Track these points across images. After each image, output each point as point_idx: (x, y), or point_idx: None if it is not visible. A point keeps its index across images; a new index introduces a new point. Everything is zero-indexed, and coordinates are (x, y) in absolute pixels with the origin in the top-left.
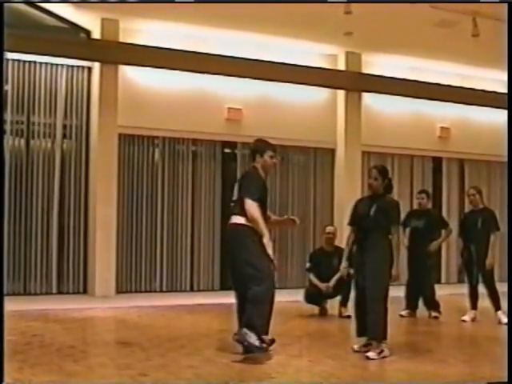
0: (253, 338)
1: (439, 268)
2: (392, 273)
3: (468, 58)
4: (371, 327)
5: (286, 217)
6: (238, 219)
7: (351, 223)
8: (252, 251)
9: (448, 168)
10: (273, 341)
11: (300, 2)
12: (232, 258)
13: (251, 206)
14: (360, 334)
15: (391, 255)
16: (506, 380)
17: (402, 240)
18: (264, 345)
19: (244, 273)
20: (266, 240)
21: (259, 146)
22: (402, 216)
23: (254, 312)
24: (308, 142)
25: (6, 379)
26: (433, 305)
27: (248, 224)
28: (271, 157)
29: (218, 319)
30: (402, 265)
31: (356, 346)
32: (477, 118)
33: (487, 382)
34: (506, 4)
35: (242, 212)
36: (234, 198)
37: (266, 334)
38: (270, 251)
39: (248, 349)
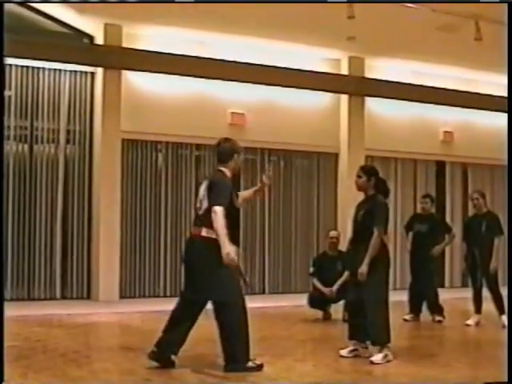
0: (243, 365)
1: (443, 272)
2: (359, 270)
3: (471, 62)
4: (373, 332)
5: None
6: (208, 232)
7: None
8: (224, 272)
9: (451, 172)
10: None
11: (300, 2)
12: (195, 272)
13: (218, 213)
14: (352, 337)
15: (387, 258)
16: (506, 380)
17: (404, 244)
18: (256, 362)
19: (212, 294)
20: (225, 252)
21: (236, 147)
22: (405, 220)
23: (236, 348)
24: (311, 147)
25: (10, 383)
26: (436, 309)
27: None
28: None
29: None
30: (405, 269)
31: (343, 352)
32: (480, 122)
33: (485, 382)
34: (506, 4)
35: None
36: (204, 206)
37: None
38: (232, 259)
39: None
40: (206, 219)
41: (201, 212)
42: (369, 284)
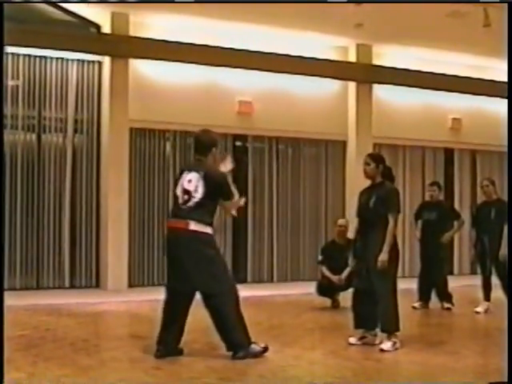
0: (250, 350)
1: (452, 259)
2: (379, 258)
3: (479, 48)
4: (383, 320)
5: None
6: (201, 227)
7: (356, 214)
8: (215, 263)
9: (460, 159)
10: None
11: (300, 2)
12: (185, 266)
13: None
14: (358, 325)
15: (396, 246)
16: (506, 380)
17: (414, 232)
18: (262, 345)
19: (202, 286)
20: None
21: (214, 139)
22: (414, 208)
23: (235, 332)
24: (319, 135)
25: (20, 374)
26: (445, 296)
27: (212, 233)
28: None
29: None
30: (414, 257)
31: (352, 339)
32: (488, 109)
33: (489, 382)
34: (506, 4)
35: (209, 219)
36: (197, 197)
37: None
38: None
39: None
40: (196, 211)
41: (190, 204)
42: (379, 272)
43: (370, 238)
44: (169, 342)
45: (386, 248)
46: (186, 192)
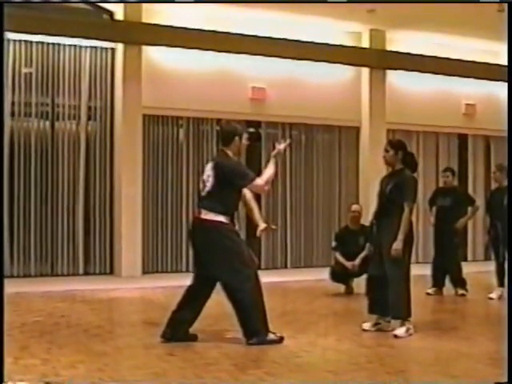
0: (266, 338)
1: (466, 245)
2: (393, 246)
3: (493, 33)
4: (395, 307)
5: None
6: (211, 216)
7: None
8: (229, 251)
9: (474, 145)
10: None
11: (301, 2)
12: (198, 254)
13: (258, 185)
14: (372, 311)
15: (411, 233)
16: (506, 380)
17: (428, 218)
18: (278, 334)
19: (217, 275)
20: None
21: (238, 129)
22: (427, 194)
23: (251, 319)
24: (332, 121)
25: (34, 360)
26: (459, 282)
27: (227, 222)
28: (246, 139)
29: None
30: (428, 243)
31: (366, 325)
32: (502, 94)
33: (495, 382)
34: (506, 4)
35: (221, 208)
36: (208, 187)
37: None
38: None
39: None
40: (207, 200)
41: (203, 193)
42: (392, 259)
43: (384, 225)
44: (179, 325)
45: (400, 236)
46: (203, 182)
